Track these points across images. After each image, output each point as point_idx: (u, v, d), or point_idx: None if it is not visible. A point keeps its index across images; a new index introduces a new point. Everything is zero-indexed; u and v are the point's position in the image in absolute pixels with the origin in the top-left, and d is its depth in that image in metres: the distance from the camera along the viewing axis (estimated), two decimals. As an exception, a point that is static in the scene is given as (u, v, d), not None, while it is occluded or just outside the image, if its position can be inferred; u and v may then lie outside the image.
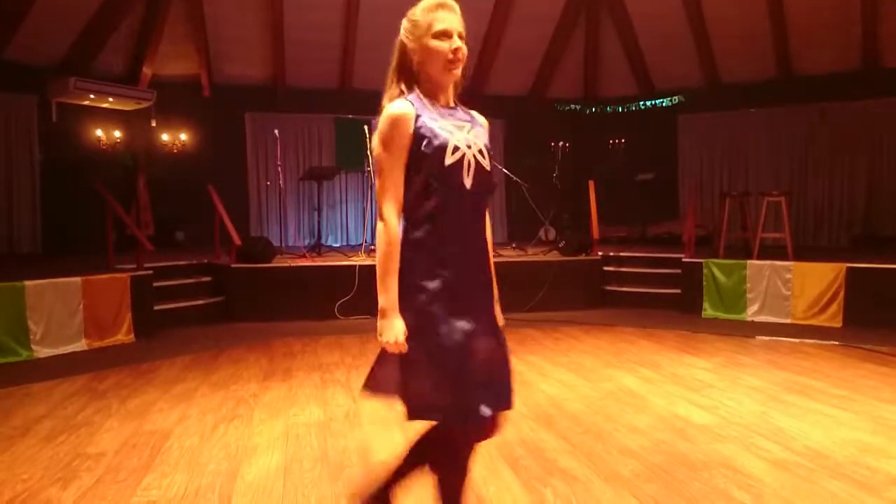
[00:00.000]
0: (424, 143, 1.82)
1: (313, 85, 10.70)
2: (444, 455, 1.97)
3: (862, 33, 9.15)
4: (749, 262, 7.17)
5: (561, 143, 9.94)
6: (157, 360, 5.47)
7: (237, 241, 7.56)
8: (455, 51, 1.86)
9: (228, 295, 7.41)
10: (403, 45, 1.91)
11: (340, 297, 7.38)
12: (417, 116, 1.83)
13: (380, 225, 1.82)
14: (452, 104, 1.96)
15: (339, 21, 9.93)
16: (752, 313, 7.07)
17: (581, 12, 10.75)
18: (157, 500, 2.82)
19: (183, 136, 10.21)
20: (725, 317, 7.17)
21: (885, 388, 4.45)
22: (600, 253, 8.41)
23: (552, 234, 10.05)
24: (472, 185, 1.85)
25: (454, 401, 1.80)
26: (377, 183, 1.86)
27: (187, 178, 9.43)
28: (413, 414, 1.85)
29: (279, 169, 8.89)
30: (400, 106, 1.84)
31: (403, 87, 1.91)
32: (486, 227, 1.99)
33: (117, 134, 9.67)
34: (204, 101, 10.27)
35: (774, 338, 6.18)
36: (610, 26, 10.74)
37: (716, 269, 7.30)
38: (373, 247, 9.02)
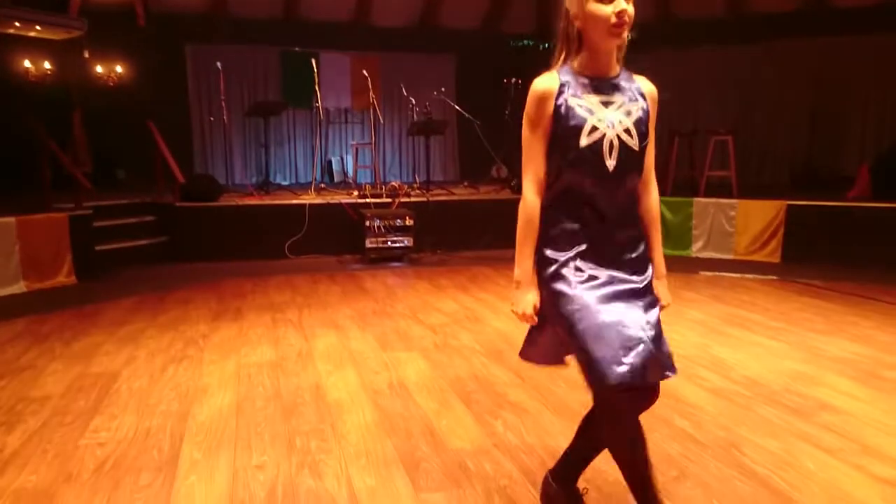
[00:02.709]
0: (561, 122, 1.76)
1: (257, 14, 10.21)
2: (613, 431, 1.90)
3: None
4: (695, 199, 7.34)
5: (514, 80, 9.81)
6: (101, 301, 5.33)
7: (180, 178, 7.33)
8: (619, 14, 1.69)
9: (173, 235, 7.22)
10: (566, 10, 1.81)
11: (290, 237, 7.28)
12: (560, 93, 1.77)
13: (522, 199, 1.86)
14: (615, 73, 1.83)
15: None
16: (696, 249, 7.28)
17: (535, -58, 10.49)
18: (106, 441, 2.79)
19: (119, 69, 9.70)
20: (671, 253, 7.35)
21: (818, 319, 4.68)
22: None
23: (504, 172, 10.03)
24: (616, 166, 1.77)
25: (607, 359, 1.71)
26: (522, 157, 1.85)
27: (126, 112, 8.96)
28: (592, 381, 1.79)
29: (223, 104, 8.54)
30: (543, 82, 1.79)
31: (563, 57, 1.83)
32: (647, 198, 1.92)
33: (47, 65, 9.11)
34: (140, 32, 9.70)
35: (717, 273, 6.39)
36: (564, -42, 10.53)
37: (663, 207, 7.43)
38: (323, 185, 8.93)
